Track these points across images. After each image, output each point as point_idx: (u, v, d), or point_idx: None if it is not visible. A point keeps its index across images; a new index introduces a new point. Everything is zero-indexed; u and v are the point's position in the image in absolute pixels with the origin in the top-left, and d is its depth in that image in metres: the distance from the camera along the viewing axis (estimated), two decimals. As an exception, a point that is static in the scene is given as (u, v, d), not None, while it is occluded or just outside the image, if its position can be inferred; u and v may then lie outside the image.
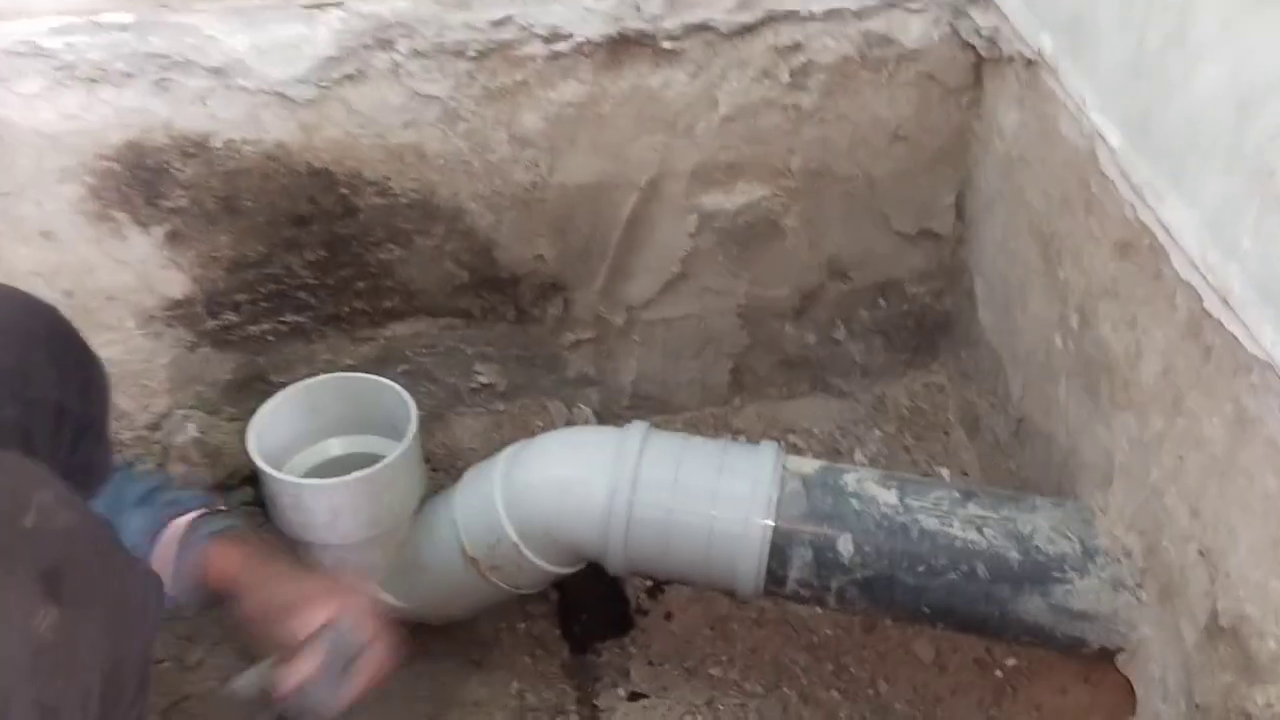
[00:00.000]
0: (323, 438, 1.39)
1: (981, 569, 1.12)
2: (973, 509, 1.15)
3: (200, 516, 1.05)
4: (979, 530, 1.13)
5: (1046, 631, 1.13)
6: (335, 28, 1.25)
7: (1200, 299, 0.93)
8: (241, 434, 1.31)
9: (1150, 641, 1.08)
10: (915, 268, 1.62)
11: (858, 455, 1.66)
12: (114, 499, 1.03)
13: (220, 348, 1.48)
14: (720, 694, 1.34)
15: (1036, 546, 1.12)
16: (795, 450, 1.65)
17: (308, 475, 1.36)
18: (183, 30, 1.23)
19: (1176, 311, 0.99)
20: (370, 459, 1.29)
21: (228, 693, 1.06)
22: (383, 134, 1.33)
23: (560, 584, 1.37)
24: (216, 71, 1.25)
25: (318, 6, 1.24)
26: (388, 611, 1.34)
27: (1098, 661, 1.17)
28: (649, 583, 1.47)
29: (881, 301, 1.65)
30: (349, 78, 1.28)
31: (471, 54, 1.29)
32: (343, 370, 1.52)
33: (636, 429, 1.23)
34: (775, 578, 1.16)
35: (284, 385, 1.39)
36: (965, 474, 1.60)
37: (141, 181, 1.31)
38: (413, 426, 1.29)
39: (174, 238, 1.37)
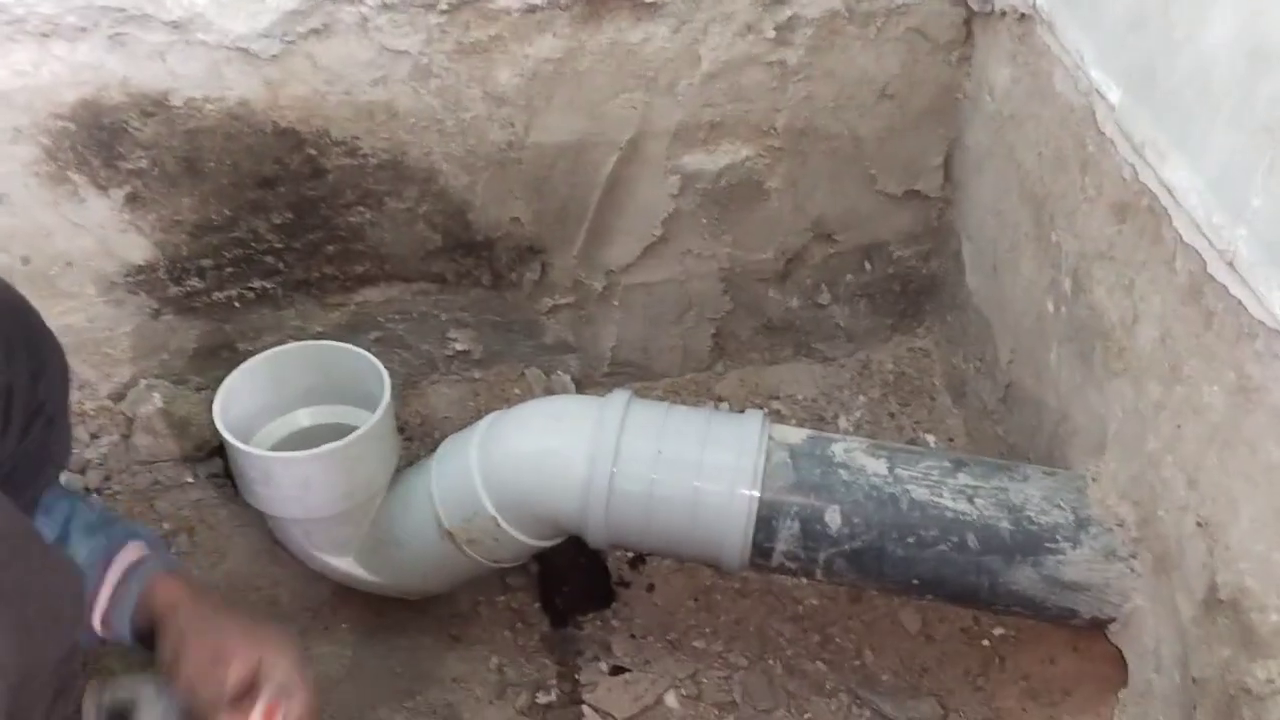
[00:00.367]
0: (292, 408, 1.35)
1: (972, 540, 1.09)
2: (963, 479, 1.12)
3: (151, 550, 1.02)
4: (970, 500, 1.11)
5: (1038, 603, 1.10)
6: (300, -21, 1.19)
7: (1203, 262, 0.90)
8: (209, 404, 1.26)
9: (1143, 612, 1.05)
10: (902, 230, 1.58)
11: (842, 422, 1.63)
12: (64, 522, 0.99)
13: (185, 315, 1.43)
14: (704, 666, 1.32)
15: (1028, 517, 1.10)
16: (779, 417, 1.62)
17: (277, 447, 1.31)
18: (139, -18, 1.17)
19: (1176, 275, 0.96)
20: (342, 430, 1.25)
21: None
22: (351, 91, 1.28)
23: (540, 556, 1.33)
24: (175, 25, 1.19)
25: (281, -44, 1.19)
26: (362, 585, 1.32)
27: (1088, 631, 1.15)
28: (631, 554, 1.44)
29: (867, 264, 1.62)
30: (315, 32, 1.23)
31: (443, 7, 1.23)
32: (313, 338, 1.48)
33: (618, 398, 1.19)
34: (761, 550, 1.13)
35: (252, 353, 1.35)
36: (952, 440, 1.57)
37: (99, 142, 1.26)
38: (386, 396, 1.24)
39: (134, 200, 1.32)
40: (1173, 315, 0.97)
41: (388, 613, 1.35)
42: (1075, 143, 1.13)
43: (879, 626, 1.35)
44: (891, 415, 1.63)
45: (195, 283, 1.41)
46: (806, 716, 1.28)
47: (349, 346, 1.32)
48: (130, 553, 0.99)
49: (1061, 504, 1.11)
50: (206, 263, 1.39)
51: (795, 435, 1.18)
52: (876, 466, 1.14)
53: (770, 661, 1.33)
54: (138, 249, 1.36)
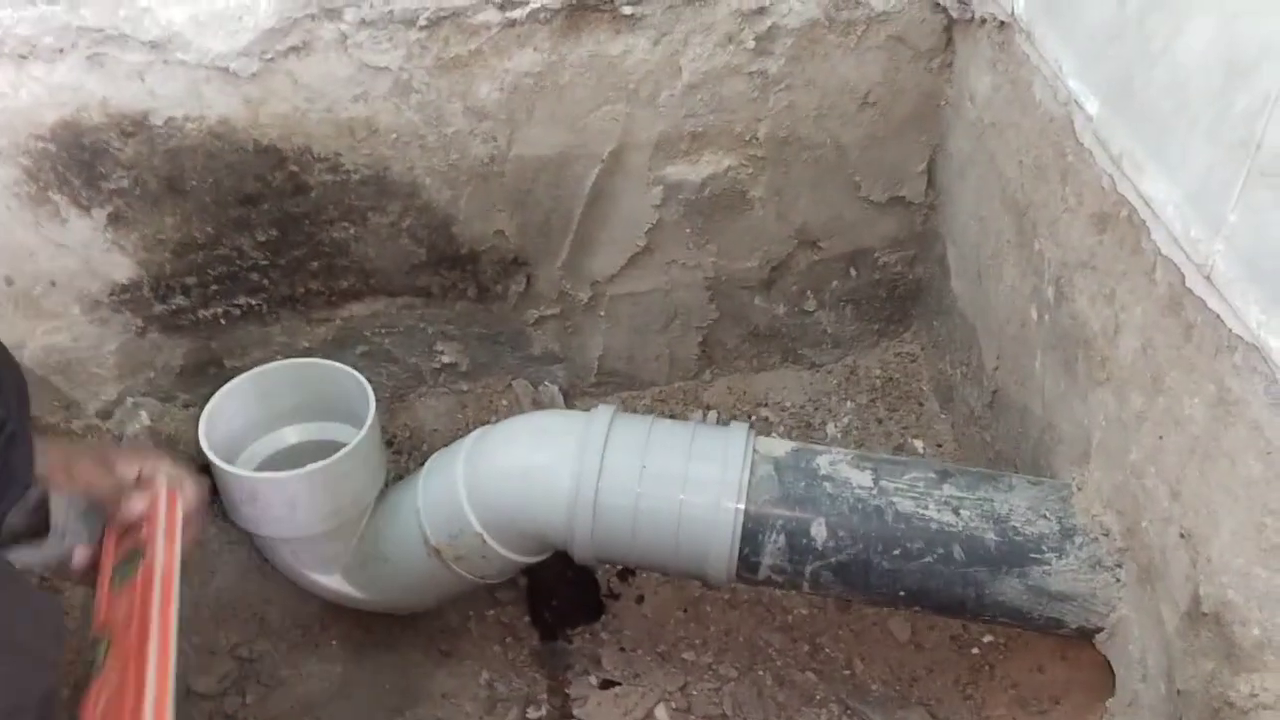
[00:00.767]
0: (278, 426, 1.35)
1: (958, 551, 1.09)
2: (948, 490, 1.12)
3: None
4: (955, 512, 1.11)
5: (1025, 613, 1.10)
6: (277, -3, 1.19)
7: (1182, 275, 0.90)
8: (196, 421, 1.27)
9: (1129, 622, 1.05)
10: (886, 236, 1.58)
11: (830, 428, 1.63)
12: None
13: (170, 332, 1.43)
14: (694, 679, 1.32)
15: (1014, 527, 1.10)
16: (767, 424, 1.62)
17: (263, 465, 1.31)
18: (116, 2, 1.16)
19: (1156, 287, 0.95)
20: (329, 447, 1.25)
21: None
22: (332, 108, 1.27)
23: (529, 569, 1.33)
24: (153, 45, 1.19)
25: (258, -25, 1.18)
26: (350, 602, 1.31)
27: (1076, 641, 1.15)
28: (619, 567, 1.44)
29: (852, 271, 1.62)
30: (294, 50, 1.22)
31: (422, 23, 1.23)
32: (299, 353, 1.48)
33: (602, 413, 1.19)
34: (747, 564, 1.13)
35: (239, 370, 1.35)
36: (940, 446, 1.57)
37: (79, 162, 1.26)
38: (371, 413, 1.24)
39: (117, 220, 1.31)
40: (1153, 326, 0.97)
41: (377, 629, 1.35)
42: (1055, 152, 1.13)
43: (868, 636, 1.35)
44: (879, 421, 1.63)
45: (180, 300, 1.40)
46: (796, 727, 1.28)
47: (334, 364, 1.32)
48: None
49: (1047, 514, 1.11)
50: (191, 280, 1.39)
51: (780, 448, 1.18)
52: (861, 479, 1.14)
53: (760, 672, 1.33)
54: (121, 268, 1.35)
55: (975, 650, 1.32)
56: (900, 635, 1.35)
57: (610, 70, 1.31)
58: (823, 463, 1.15)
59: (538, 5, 1.24)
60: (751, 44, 1.32)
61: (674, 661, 1.34)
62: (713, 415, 1.64)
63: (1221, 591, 0.88)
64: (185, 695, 1.29)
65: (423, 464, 1.29)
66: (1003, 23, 1.23)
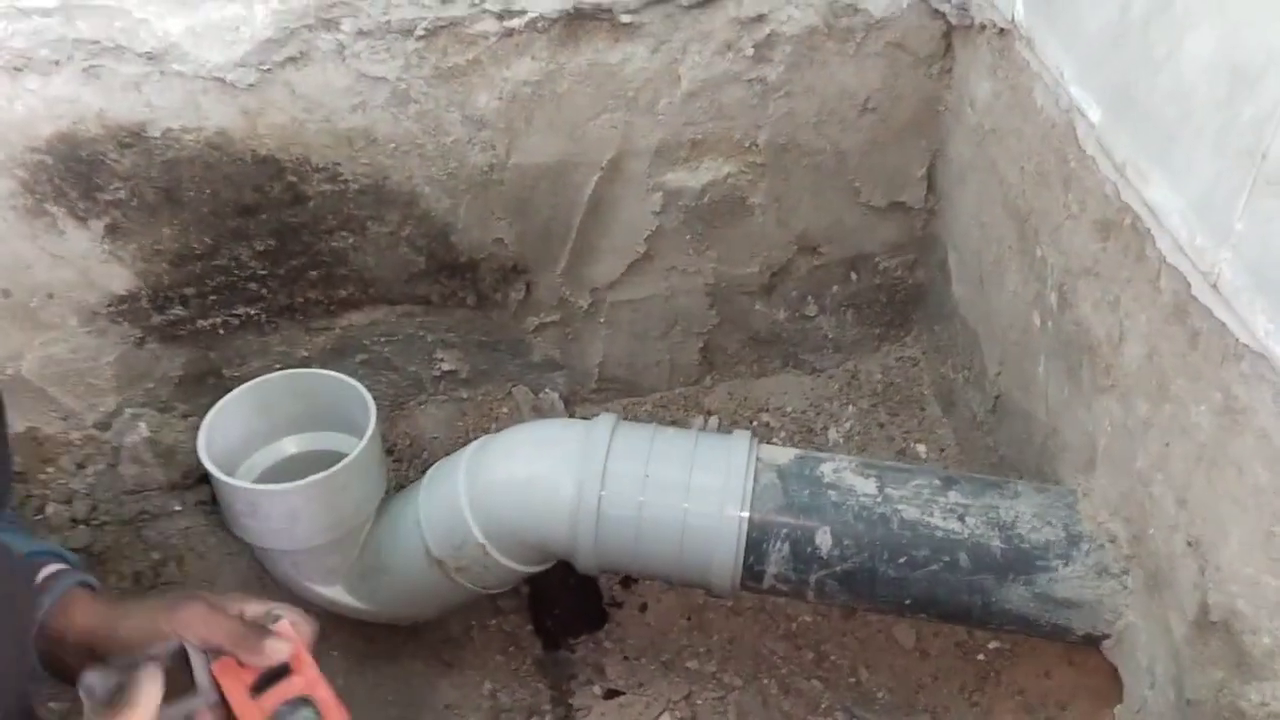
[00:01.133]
0: (278, 436, 1.34)
1: (964, 559, 1.09)
2: (954, 497, 1.12)
3: (61, 570, 0.92)
4: (960, 519, 1.10)
5: (1031, 620, 1.10)
6: (274, 7, 1.18)
7: (1187, 283, 0.90)
8: (196, 431, 1.26)
9: (1137, 629, 1.05)
10: (886, 241, 1.58)
11: (832, 433, 1.63)
12: None
13: (169, 343, 1.42)
14: (698, 687, 1.31)
15: (1019, 534, 1.09)
16: (768, 430, 1.62)
17: (263, 476, 1.31)
18: (111, 14, 1.15)
19: (1161, 295, 0.95)
20: (329, 457, 1.25)
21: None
22: (330, 118, 1.27)
23: (531, 578, 1.33)
24: (150, 57, 1.18)
25: (255, -15, 1.18)
26: (351, 613, 1.31)
27: (1083, 647, 1.15)
28: (622, 575, 1.43)
29: (852, 276, 1.61)
30: (291, 60, 1.22)
31: (420, 32, 1.22)
32: (299, 362, 1.47)
33: (604, 422, 1.18)
34: (752, 573, 1.13)
35: (238, 380, 1.34)
36: (942, 450, 1.57)
37: (76, 174, 1.25)
38: (371, 424, 1.24)
39: (114, 231, 1.31)
40: (1158, 334, 0.97)
41: (378, 640, 1.35)
42: (1057, 158, 1.12)
43: (873, 643, 1.35)
44: (881, 426, 1.62)
45: (179, 311, 1.40)
46: (802, 736, 1.28)
47: (334, 374, 1.31)
48: (48, 568, 0.91)
49: (1052, 521, 1.11)
50: (189, 291, 1.38)
51: (783, 455, 1.17)
52: (866, 486, 1.13)
53: (765, 681, 1.32)
54: (119, 279, 1.35)
55: (981, 657, 1.32)
56: (905, 642, 1.35)
57: (609, 78, 1.31)
58: (827, 470, 1.15)
59: (536, 14, 1.24)
60: (750, 51, 1.32)
61: (678, 670, 1.33)
62: (714, 421, 1.63)
63: (1230, 600, 0.88)
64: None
65: (423, 473, 1.29)
66: (1002, 29, 1.22)
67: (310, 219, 1.35)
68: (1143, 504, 1.02)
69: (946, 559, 1.09)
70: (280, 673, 0.84)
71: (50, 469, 1.46)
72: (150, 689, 0.77)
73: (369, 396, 1.27)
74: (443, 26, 1.23)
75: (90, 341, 1.39)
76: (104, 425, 1.48)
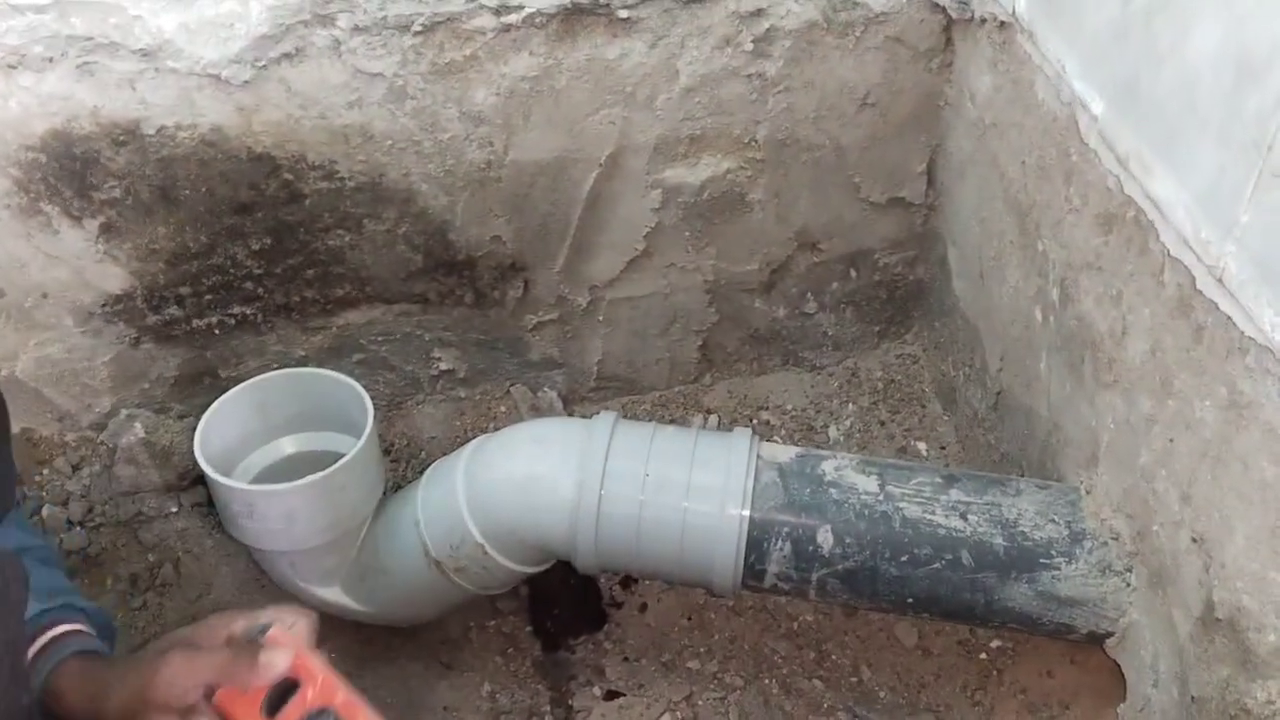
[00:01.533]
0: (275, 436, 1.34)
1: (966, 557, 1.08)
2: (956, 495, 1.11)
3: (72, 631, 0.87)
4: (963, 517, 1.09)
5: (1034, 618, 1.09)
6: (269, 3, 1.17)
7: (1191, 276, 0.89)
8: (192, 432, 1.25)
9: (1140, 627, 1.04)
10: (886, 237, 1.57)
11: (832, 431, 1.62)
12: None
13: (164, 343, 1.42)
14: (699, 688, 1.31)
15: (1022, 532, 1.08)
16: (768, 428, 1.61)
17: (260, 477, 1.30)
18: (106, 10, 1.14)
19: (1165, 289, 0.94)
20: (326, 457, 1.24)
21: None
22: (326, 115, 1.26)
23: (530, 579, 1.32)
24: (144, 53, 1.17)
25: (249, -19, 1.17)
26: (349, 614, 1.30)
27: (1086, 645, 1.14)
28: (622, 575, 1.42)
29: (852, 272, 1.60)
30: (287, 56, 1.21)
31: (417, 28, 1.21)
32: (295, 362, 1.47)
33: (604, 420, 1.17)
34: (753, 572, 1.12)
35: (234, 380, 1.33)
36: (943, 448, 1.56)
37: (70, 172, 1.24)
38: (369, 423, 1.23)
39: (109, 230, 1.30)
40: (1162, 328, 0.96)
41: (377, 641, 1.34)
42: (1059, 152, 1.12)
43: (875, 642, 1.34)
44: (882, 423, 1.61)
45: (174, 311, 1.39)
46: (804, 736, 1.27)
47: (331, 373, 1.30)
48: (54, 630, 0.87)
49: (1055, 518, 1.10)
50: (185, 290, 1.37)
51: (784, 454, 1.16)
52: (867, 484, 1.13)
53: (766, 681, 1.31)
54: (114, 278, 1.34)
55: (983, 655, 1.31)
56: (907, 641, 1.34)
57: (607, 74, 1.30)
58: (828, 468, 1.14)
59: (533, 9, 1.23)
60: (749, 46, 1.31)
61: (679, 671, 1.32)
62: (714, 419, 1.63)
63: (1236, 597, 0.87)
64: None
65: (421, 472, 1.28)
66: (1003, 22, 1.21)
67: (306, 217, 1.34)
68: (1146, 500, 1.01)
69: (949, 557, 1.08)
70: (291, 685, 0.77)
71: (45, 470, 1.45)
72: None
73: (366, 396, 1.26)
74: (439, 22, 1.22)
75: (85, 342, 1.38)
76: (99, 426, 1.47)
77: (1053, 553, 1.08)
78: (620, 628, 1.37)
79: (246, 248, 1.35)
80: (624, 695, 1.30)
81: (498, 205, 1.39)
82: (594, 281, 1.51)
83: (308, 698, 0.77)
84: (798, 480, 1.13)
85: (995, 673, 1.29)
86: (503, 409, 1.58)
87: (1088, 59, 1.05)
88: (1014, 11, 1.18)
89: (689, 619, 1.38)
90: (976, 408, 1.47)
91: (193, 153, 1.25)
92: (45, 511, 1.44)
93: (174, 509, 1.47)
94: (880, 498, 1.11)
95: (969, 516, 1.09)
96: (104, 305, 1.36)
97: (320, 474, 1.17)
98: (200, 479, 1.46)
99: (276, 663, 0.75)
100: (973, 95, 1.33)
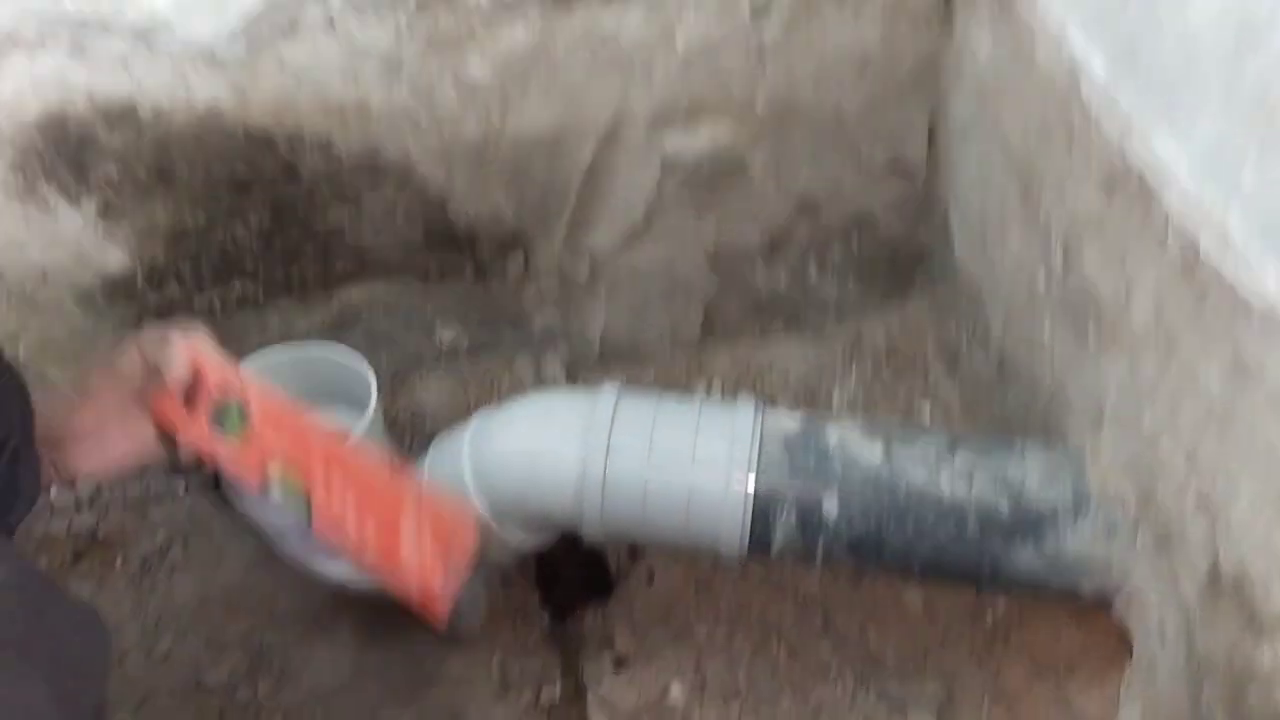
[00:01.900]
0: (280, 414, 1.33)
1: (971, 522, 1.08)
2: (960, 460, 1.11)
3: None
4: (967, 482, 1.10)
5: (1040, 581, 1.10)
6: (262, -21, 1.16)
7: (1195, 240, 0.88)
8: (195, 412, 1.25)
9: (1146, 588, 1.04)
10: (887, 201, 1.56)
11: (836, 396, 1.62)
12: None
13: (166, 322, 1.41)
14: (707, 655, 1.31)
15: (1027, 496, 1.09)
16: (771, 394, 1.61)
17: (266, 455, 1.29)
18: (97, -11, 1.14)
19: (1168, 252, 0.94)
20: (331, 435, 1.23)
21: None
22: (321, 91, 1.25)
23: (538, 549, 1.32)
24: (137, 33, 1.17)
25: (241, -43, 1.15)
26: (359, 588, 1.31)
27: (1092, 608, 1.15)
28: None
29: (854, 237, 1.60)
30: (281, 32, 1.20)
31: (411, 3, 1.20)
32: (298, 338, 1.46)
33: (608, 392, 1.17)
34: (759, 541, 1.12)
35: (236, 357, 1.33)
36: (947, 411, 1.56)
37: (66, 154, 1.23)
38: (373, 400, 1.23)
39: (107, 210, 1.29)
40: (1166, 291, 0.95)
41: (387, 615, 1.33)
42: (1060, 115, 1.11)
43: (881, 607, 1.35)
44: (885, 387, 1.61)
45: (175, 290, 1.39)
46: (813, 701, 1.28)
47: (335, 347, 1.30)
48: None
49: (1060, 481, 1.10)
50: (185, 269, 1.37)
51: (789, 422, 1.16)
52: (872, 451, 1.13)
53: (774, 647, 1.32)
54: (114, 258, 1.34)
55: (989, 619, 1.32)
56: (913, 606, 1.35)
57: (604, 44, 1.29)
58: (832, 436, 1.14)
59: (528, -21, 1.22)
60: (747, 13, 1.30)
61: (687, 638, 1.33)
62: (717, 386, 1.62)
63: (1242, 559, 0.87)
64: (195, 688, 1.29)
65: (426, 445, 1.28)
66: (1003, -17, 1.20)
67: (305, 193, 1.34)
68: (1150, 463, 1.01)
69: (954, 523, 1.09)
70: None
71: (52, 452, 1.45)
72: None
73: (370, 371, 1.26)
74: (433, -6, 1.21)
75: (87, 323, 1.38)
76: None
77: (1058, 516, 1.08)
78: (628, 596, 1.38)
79: (245, 225, 1.35)
80: (633, 664, 1.30)
81: (496, 178, 1.38)
82: (595, 252, 1.51)
83: (210, 388, 0.95)
84: (802, 449, 1.13)
85: (1001, 635, 1.30)
86: (506, 381, 1.58)
87: (1088, 20, 1.04)
88: (1013, -28, 1.17)
89: (696, 587, 1.38)
90: (980, 370, 1.47)
91: (188, 131, 1.25)
92: (53, 494, 1.45)
93: (182, 488, 1.48)
94: (885, 464, 1.11)
95: (974, 481, 1.10)
96: (104, 285, 1.35)
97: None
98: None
99: (173, 359, 0.92)
100: (973, 56, 1.32)
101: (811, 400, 1.61)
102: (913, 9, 1.34)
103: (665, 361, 1.66)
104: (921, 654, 1.30)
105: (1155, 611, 1.03)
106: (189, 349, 0.94)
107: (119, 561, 1.41)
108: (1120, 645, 1.12)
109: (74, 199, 1.27)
